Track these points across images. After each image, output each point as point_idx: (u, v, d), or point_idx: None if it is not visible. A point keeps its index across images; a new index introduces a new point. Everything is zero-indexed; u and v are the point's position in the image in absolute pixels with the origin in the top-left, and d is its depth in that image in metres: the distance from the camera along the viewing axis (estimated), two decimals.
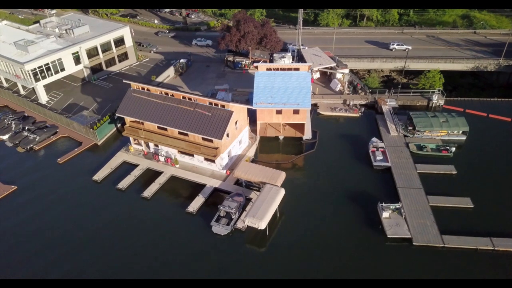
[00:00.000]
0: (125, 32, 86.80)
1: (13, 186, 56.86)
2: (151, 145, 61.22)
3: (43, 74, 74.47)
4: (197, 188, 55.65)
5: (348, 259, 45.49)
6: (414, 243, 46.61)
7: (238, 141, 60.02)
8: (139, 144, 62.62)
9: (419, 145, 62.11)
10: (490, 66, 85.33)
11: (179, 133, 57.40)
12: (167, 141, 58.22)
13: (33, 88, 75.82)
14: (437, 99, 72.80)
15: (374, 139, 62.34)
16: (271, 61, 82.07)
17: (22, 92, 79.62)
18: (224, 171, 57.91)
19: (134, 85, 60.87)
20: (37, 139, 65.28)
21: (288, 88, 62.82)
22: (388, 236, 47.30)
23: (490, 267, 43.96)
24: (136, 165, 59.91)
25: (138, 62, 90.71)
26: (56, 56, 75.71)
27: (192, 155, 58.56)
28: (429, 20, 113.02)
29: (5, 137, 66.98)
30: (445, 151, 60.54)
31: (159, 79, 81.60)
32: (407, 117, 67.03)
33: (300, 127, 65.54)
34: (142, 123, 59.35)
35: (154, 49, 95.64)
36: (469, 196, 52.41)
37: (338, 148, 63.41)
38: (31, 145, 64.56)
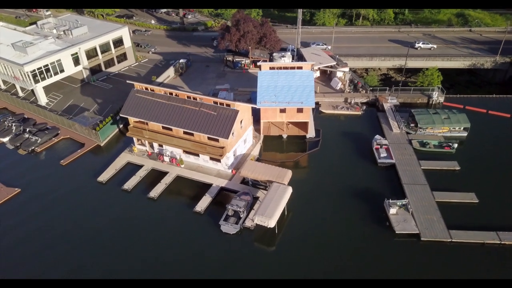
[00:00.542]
0: (124, 33, 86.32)
1: (16, 189, 56.20)
2: (155, 145, 60.97)
3: (42, 76, 73.72)
4: (203, 187, 55.52)
5: (359, 257, 45.55)
6: (422, 238, 47.04)
7: (243, 140, 60.05)
8: (143, 144, 62.30)
9: (422, 141, 62.64)
10: (486, 64, 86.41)
11: (184, 133, 57.24)
12: (172, 141, 58.00)
13: (32, 89, 75.05)
14: (437, 97, 73.55)
15: (377, 136, 62.74)
16: (271, 60, 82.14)
17: (20, 94, 78.75)
18: (230, 170, 57.90)
19: (138, 85, 60.58)
20: (38, 141, 64.54)
21: (291, 87, 62.99)
22: (397, 232, 47.68)
23: (498, 261, 44.52)
24: (141, 166, 59.57)
25: (137, 63, 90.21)
26: (56, 57, 75.02)
27: (198, 155, 58.46)
28: (424, 19, 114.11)
29: (6, 139, 66.08)
30: (447, 147, 61.22)
31: (159, 79, 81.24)
32: (408, 114, 67.56)
33: (303, 125, 65.77)
34: (147, 124, 59.06)
35: (153, 49, 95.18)
36: (473, 191, 52.99)
37: (342, 146, 63.72)
38: (33, 147, 63.83)
